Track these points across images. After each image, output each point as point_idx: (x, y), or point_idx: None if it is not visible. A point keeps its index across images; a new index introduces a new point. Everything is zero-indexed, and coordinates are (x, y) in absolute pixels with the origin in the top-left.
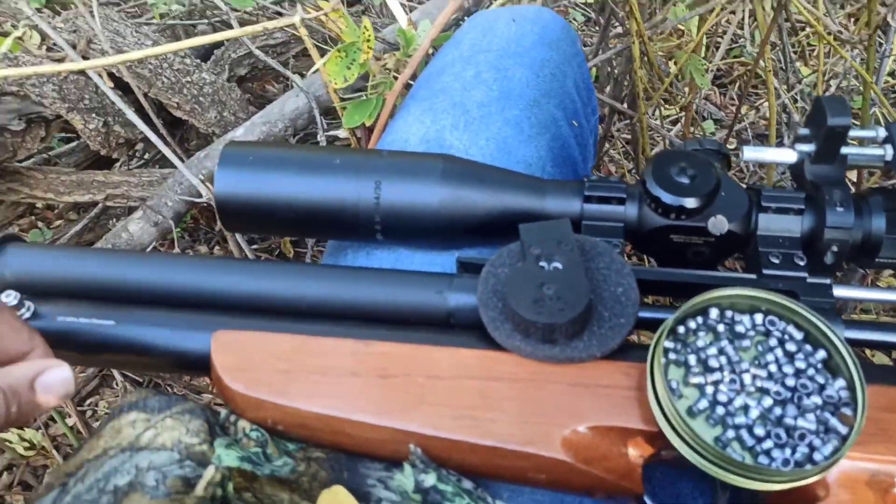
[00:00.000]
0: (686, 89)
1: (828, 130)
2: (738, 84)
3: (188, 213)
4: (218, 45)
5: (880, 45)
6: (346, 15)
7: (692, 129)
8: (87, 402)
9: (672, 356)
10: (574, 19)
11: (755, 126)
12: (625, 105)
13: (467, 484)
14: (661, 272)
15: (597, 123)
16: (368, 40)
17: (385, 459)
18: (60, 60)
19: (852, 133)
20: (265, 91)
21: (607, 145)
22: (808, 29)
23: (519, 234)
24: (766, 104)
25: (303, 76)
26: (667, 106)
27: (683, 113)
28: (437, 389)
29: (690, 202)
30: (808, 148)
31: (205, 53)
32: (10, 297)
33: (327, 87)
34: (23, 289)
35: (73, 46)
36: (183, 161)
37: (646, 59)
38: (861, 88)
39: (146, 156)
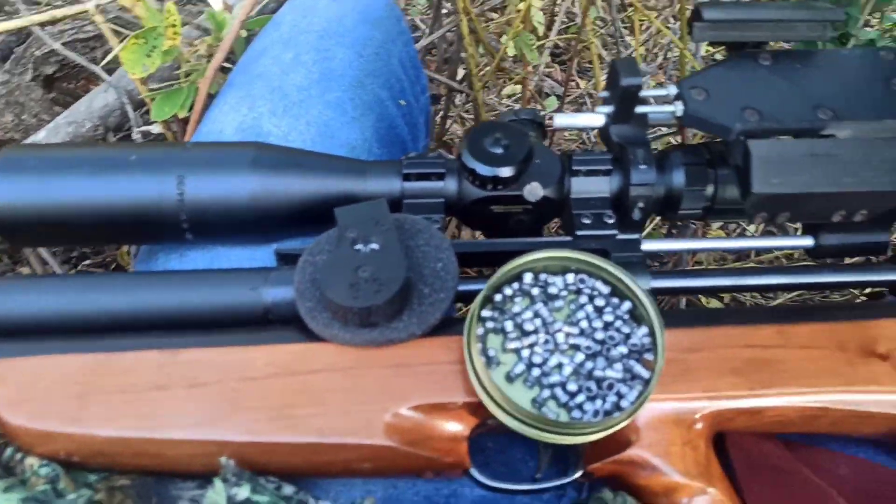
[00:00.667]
0: (516, 66)
1: (622, 91)
2: (576, 60)
3: None
4: (20, 42)
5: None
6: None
7: (535, 105)
8: None
9: (490, 325)
10: (417, 3)
11: (594, 99)
12: (464, 84)
13: (288, 489)
14: (481, 243)
15: (428, 101)
16: (174, 25)
17: (199, 476)
18: None
19: (646, 93)
20: (88, 90)
21: (453, 124)
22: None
23: None
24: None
25: (111, 71)
26: (510, 84)
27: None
28: (252, 391)
29: (505, 171)
30: (608, 109)
31: (6, 52)
32: None
33: (135, 80)
34: None
35: None
36: None
37: (475, 36)
38: (687, 53)
39: None
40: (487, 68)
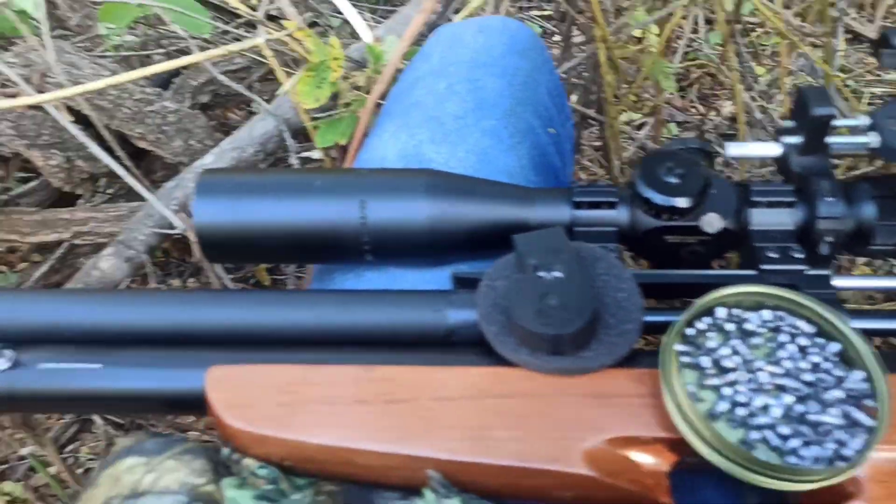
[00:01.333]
0: (650, 93)
1: (812, 121)
2: (696, 86)
3: (160, 247)
4: (176, 73)
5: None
6: (312, 34)
7: (661, 131)
8: (68, 448)
9: (685, 359)
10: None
11: (718, 127)
12: (592, 111)
13: None
14: (661, 274)
15: (572, 129)
16: (337, 58)
17: (399, 488)
18: (13, 96)
19: (836, 122)
20: (227, 119)
21: (576, 154)
22: (758, 30)
23: (510, 245)
24: (725, 105)
25: (268, 100)
26: (630, 112)
27: (648, 118)
28: (447, 411)
29: (682, 202)
30: (794, 140)
31: (163, 83)
32: None
33: (297, 109)
34: (1, 337)
35: (27, 81)
36: (152, 193)
37: (612, 63)
38: (816, 84)
39: (109, 190)
40: (623, 93)
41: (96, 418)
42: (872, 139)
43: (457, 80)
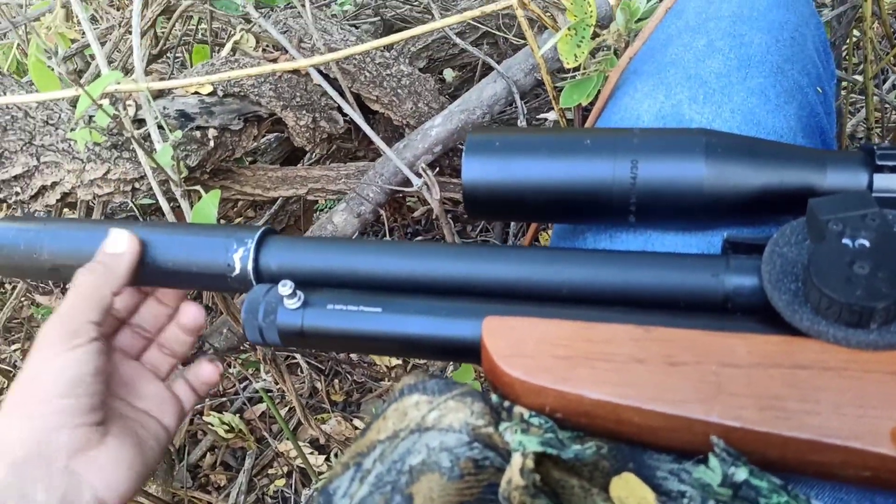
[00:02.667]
0: None
1: None
2: None
3: (386, 204)
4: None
5: None
6: None
7: None
8: (276, 387)
9: None
10: None
11: None
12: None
13: (776, 480)
14: None
15: (836, 88)
16: (592, 15)
17: (672, 450)
18: (274, 61)
19: None
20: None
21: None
22: None
23: (795, 212)
24: None
25: (499, 62)
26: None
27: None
28: (735, 378)
29: None
30: None
31: (386, 48)
32: (286, 287)
33: (539, 68)
34: (288, 279)
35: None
36: (388, 150)
37: (876, 18)
38: None
39: (326, 153)
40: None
41: (301, 362)
42: None
43: (717, 35)
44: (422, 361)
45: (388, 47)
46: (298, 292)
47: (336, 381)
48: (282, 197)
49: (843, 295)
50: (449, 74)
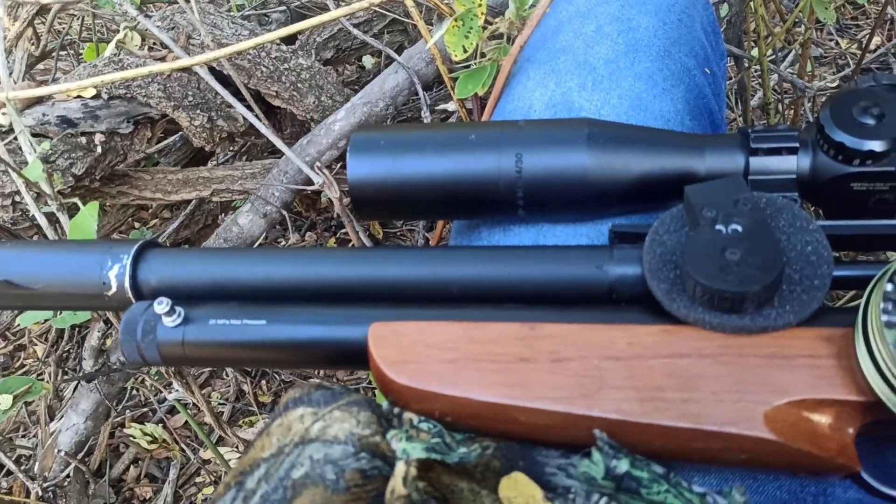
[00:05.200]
0: (805, 25)
1: None
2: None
3: (292, 202)
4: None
5: None
6: None
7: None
8: (202, 392)
9: (884, 318)
10: None
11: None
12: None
13: (659, 469)
14: (853, 225)
15: (726, 68)
16: (481, 5)
17: (560, 446)
18: (162, 59)
19: None
20: (340, 73)
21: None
22: None
23: (680, 197)
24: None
25: (399, 53)
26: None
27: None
28: (616, 371)
29: (878, 145)
30: None
31: (288, 40)
32: (163, 305)
33: (435, 60)
34: (169, 294)
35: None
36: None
37: None
38: None
39: (236, 149)
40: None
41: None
42: None
43: (606, 20)
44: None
45: (288, 40)
46: (178, 308)
47: (264, 381)
48: (184, 200)
49: (716, 282)
50: (368, 61)
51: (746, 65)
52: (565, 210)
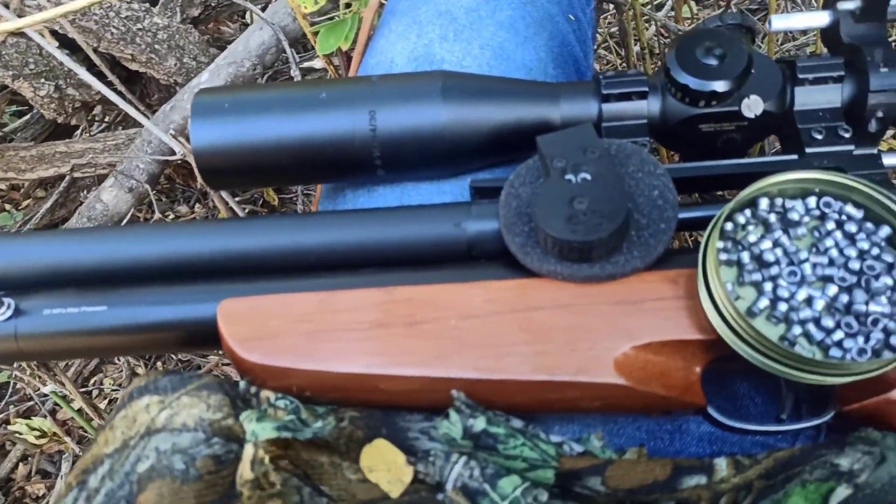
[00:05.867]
0: None
1: None
2: None
3: (162, 173)
4: None
5: None
6: None
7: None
8: (91, 381)
9: (723, 256)
10: None
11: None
12: None
13: (517, 423)
14: (698, 167)
15: (593, 14)
16: None
17: (424, 410)
18: None
19: None
20: (221, 32)
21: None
22: None
23: (536, 148)
24: None
25: (264, 8)
26: None
27: None
28: (474, 329)
29: (721, 85)
30: (852, 5)
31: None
32: None
33: (295, 14)
34: (1, 285)
35: (6, 6)
36: (148, 118)
37: None
38: None
39: (107, 118)
40: None
41: None
42: None
43: None
44: None
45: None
46: (7, 300)
47: (159, 363)
48: (40, 178)
49: (563, 232)
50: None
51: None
52: (426, 167)
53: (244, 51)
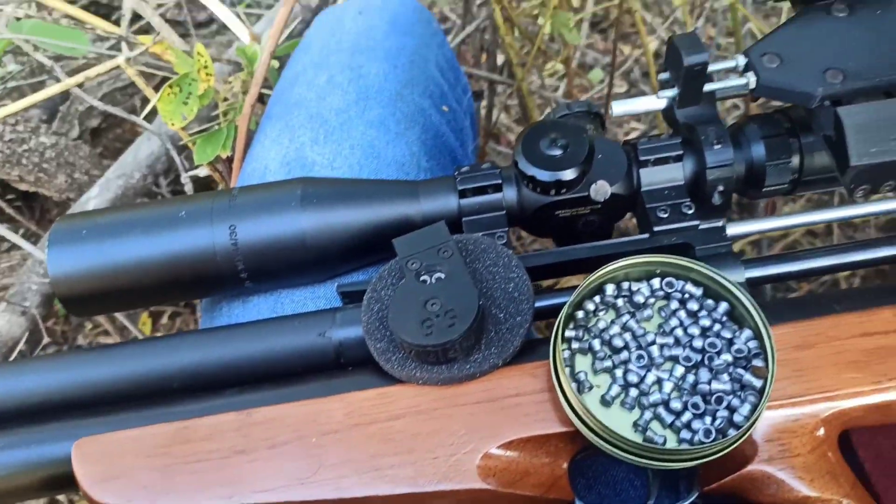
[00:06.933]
0: (559, 47)
1: (686, 71)
2: (616, 27)
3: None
4: (63, 100)
5: None
6: (172, 47)
7: (580, 80)
8: None
9: (576, 345)
10: None
11: (641, 64)
12: (504, 75)
13: None
14: (551, 253)
15: (471, 102)
16: (206, 67)
17: None
18: None
19: (713, 67)
20: (133, 138)
21: (502, 116)
22: None
23: None
24: (650, 42)
25: (154, 117)
26: (552, 62)
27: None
28: (336, 446)
29: (567, 174)
30: (672, 92)
31: (51, 113)
32: None
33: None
34: None
35: None
36: (39, 237)
37: (511, 24)
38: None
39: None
40: (526, 52)
41: None
42: (750, 79)
43: (338, 70)
44: None
45: (45, 113)
46: None
47: None
48: None
49: (416, 337)
50: None
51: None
52: (294, 274)
53: (133, 162)
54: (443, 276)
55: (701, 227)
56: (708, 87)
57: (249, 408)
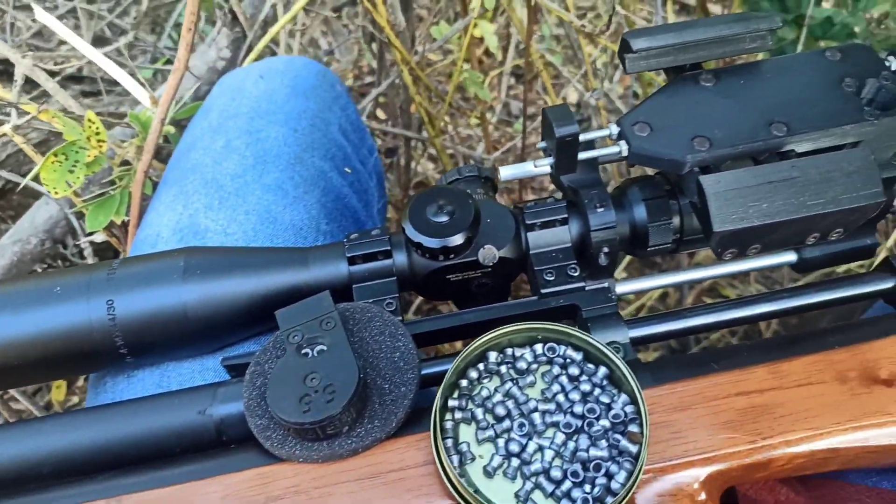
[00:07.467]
0: (474, 104)
1: (559, 141)
2: (540, 79)
3: None
4: None
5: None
6: (59, 115)
7: (503, 130)
8: None
9: (459, 415)
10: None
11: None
12: (422, 131)
13: None
14: (440, 318)
15: (378, 162)
16: (97, 134)
17: None
18: None
19: (587, 135)
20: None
21: (430, 165)
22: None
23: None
24: (565, 91)
25: None
26: (472, 115)
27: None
28: None
29: (454, 240)
30: (549, 161)
31: None
32: None
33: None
34: None
35: None
36: None
37: (420, 84)
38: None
39: None
40: (439, 109)
41: None
42: (623, 148)
43: (235, 134)
44: None
45: None
46: None
47: None
48: None
49: (293, 414)
50: None
51: (421, 145)
52: (178, 347)
53: (30, 227)
54: (325, 348)
55: (588, 287)
56: (586, 155)
57: (121, 494)
